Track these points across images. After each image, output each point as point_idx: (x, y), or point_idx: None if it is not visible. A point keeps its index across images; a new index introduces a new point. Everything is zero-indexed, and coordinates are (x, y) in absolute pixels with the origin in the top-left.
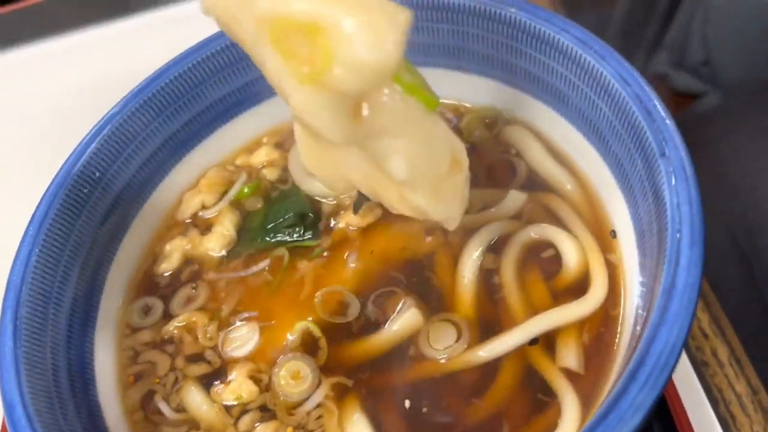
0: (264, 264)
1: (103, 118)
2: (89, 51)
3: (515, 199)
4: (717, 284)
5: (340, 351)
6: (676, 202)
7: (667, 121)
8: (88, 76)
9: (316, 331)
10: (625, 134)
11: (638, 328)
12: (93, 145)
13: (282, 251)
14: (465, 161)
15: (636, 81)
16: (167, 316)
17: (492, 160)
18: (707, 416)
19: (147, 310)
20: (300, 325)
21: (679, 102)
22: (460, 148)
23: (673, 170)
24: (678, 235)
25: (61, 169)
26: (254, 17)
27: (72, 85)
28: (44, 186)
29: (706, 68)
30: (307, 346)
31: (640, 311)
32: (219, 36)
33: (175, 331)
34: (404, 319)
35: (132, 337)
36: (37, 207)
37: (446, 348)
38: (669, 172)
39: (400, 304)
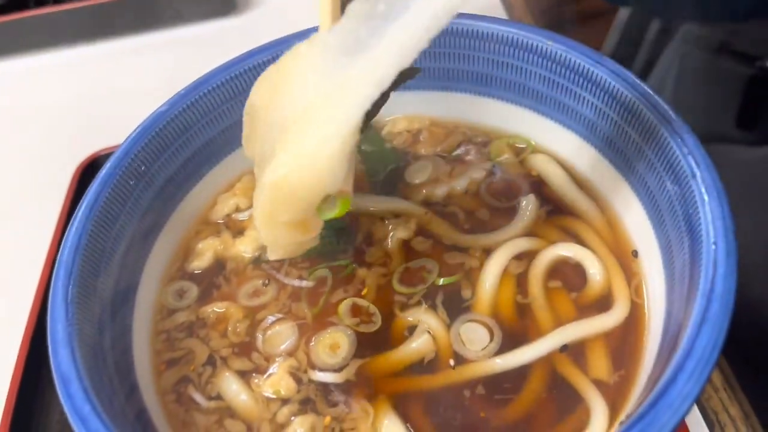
0: (306, 283)
1: (150, 115)
2: (99, 63)
3: (528, 203)
4: None
5: (369, 362)
6: (710, 218)
7: (699, 147)
8: (101, 86)
9: (362, 302)
10: (654, 159)
11: (671, 332)
12: (142, 139)
13: (325, 272)
14: (312, 231)
15: (665, 110)
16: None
17: (514, 183)
18: None
19: (182, 294)
20: (345, 304)
21: None
22: (315, 223)
23: (706, 189)
24: (714, 247)
25: (110, 159)
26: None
27: (84, 93)
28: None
29: None
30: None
31: (670, 318)
32: (267, 47)
33: (212, 315)
34: (421, 340)
35: (168, 320)
36: (87, 193)
37: (483, 348)
38: (701, 192)
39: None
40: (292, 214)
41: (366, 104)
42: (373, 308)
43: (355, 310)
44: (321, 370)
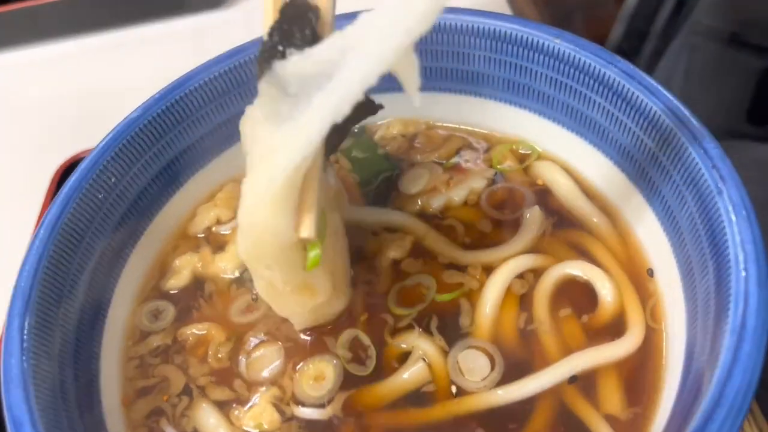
0: None
1: (122, 121)
2: (84, 58)
3: (533, 215)
4: None
5: (357, 394)
6: (739, 240)
7: (725, 158)
8: (84, 82)
9: (365, 339)
10: (673, 171)
11: (694, 368)
12: (111, 149)
13: None
14: (322, 292)
15: (686, 117)
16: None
17: (517, 193)
18: None
19: (157, 314)
20: (348, 333)
21: None
22: (319, 282)
23: (733, 208)
24: (744, 273)
25: (75, 172)
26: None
27: (66, 91)
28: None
29: None
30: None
31: (692, 352)
32: (245, 48)
33: (191, 338)
34: (415, 369)
35: (141, 344)
36: (49, 210)
37: (484, 378)
38: (728, 210)
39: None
40: (271, 260)
41: (289, 166)
42: (372, 351)
43: (353, 343)
44: (304, 405)
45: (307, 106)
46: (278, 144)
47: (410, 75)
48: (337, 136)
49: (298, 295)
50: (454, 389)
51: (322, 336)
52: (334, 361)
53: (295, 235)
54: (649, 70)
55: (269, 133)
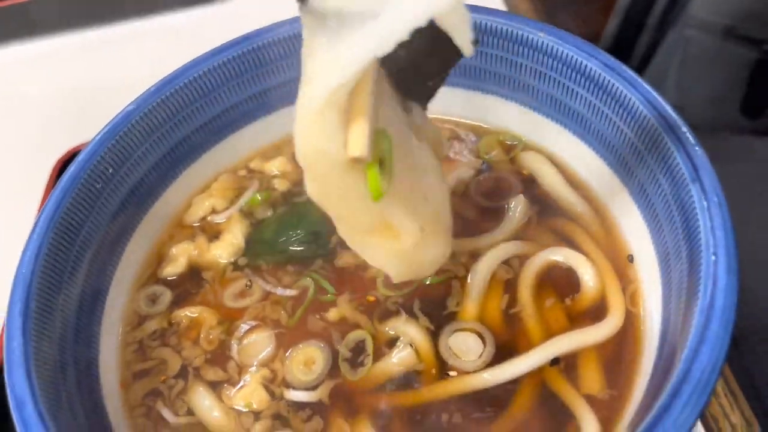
0: (290, 292)
1: (118, 114)
2: (80, 53)
3: (518, 204)
4: None
5: (343, 380)
6: (710, 226)
7: (697, 148)
8: (80, 77)
9: (369, 346)
10: (650, 159)
11: (667, 348)
12: (108, 141)
13: (308, 282)
14: (405, 232)
15: (664, 108)
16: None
17: (503, 182)
18: None
19: (154, 299)
20: (356, 334)
21: None
22: (401, 223)
23: (706, 195)
24: (714, 258)
25: (74, 163)
26: None
27: (63, 86)
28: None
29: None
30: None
31: (666, 332)
32: (238, 42)
33: (184, 320)
34: (403, 355)
35: (139, 329)
36: (48, 199)
37: (480, 356)
38: (701, 198)
39: (401, 338)
40: (336, 192)
41: (323, 93)
42: (368, 360)
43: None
44: (295, 388)
45: (347, 37)
46: (317, 69)
47: (461, 28)
48: (414, 77)
49: (378, 236)
50: (438, 374)
51: (328, 328)
52: (322, 345)
53: (345, 154)
54: (645, 62)
55: (310, 61)
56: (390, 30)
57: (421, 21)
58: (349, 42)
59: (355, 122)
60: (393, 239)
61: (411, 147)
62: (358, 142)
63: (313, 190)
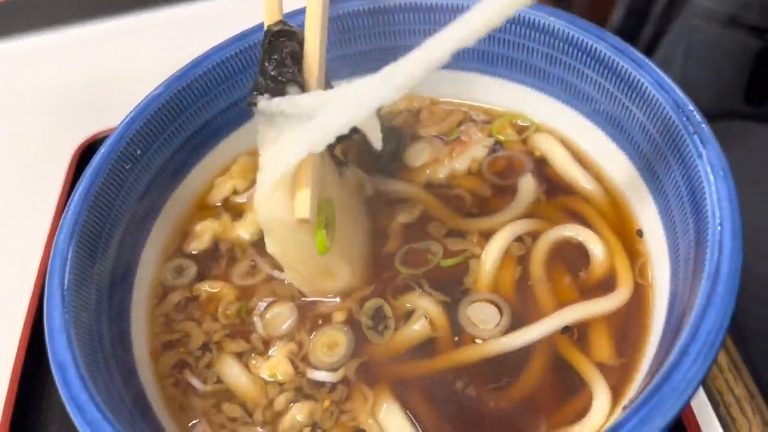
0: None
1: (145, 98)
2: (98, 43)
3: (528, 183)
4: None
5: (367, 347)
6: (716, 198)
7: (704, 125)
8: (94, 68)
9: (388, 311)
10: (659, 138)
11: (675, 315)
12: (137, 123)
13: None
14: (341, 273)
15: (671, 87)
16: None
17: (516, 161)
18: (709, 417)
19: (180, 271)
20: (373, 302)
21: None
22: (339, 268)
23: (712, 169)
24: (719, 228)
25: (104, 145)
26: None
27: (80, 76)
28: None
29: None
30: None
31: (674, 301)
32: (261, 27)
33: (203, 294)
34: (418, 326)
35: (165, 303)
36: (82, 177)
37: (497, 325)
38: (707, 172)
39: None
40: (292, 250)
41: (270, 180)
42: (391, 323)
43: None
44: (318, 369)
45: (289, 135)
46: (267, 160)
47: (373, 130)
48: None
49: (320, 280)
50: (453, 344)
51: (346, 299)
52: (345, 329)
53: (293, 217)
54: (649, 51)
55: (263, 151)
56: (320, 134)
57: (344, 129)
58: (291, 137)
59: (299, 191)
60: (330, 281)
61: (344, 202)
62: (302, 206)
63: (273, 248)
